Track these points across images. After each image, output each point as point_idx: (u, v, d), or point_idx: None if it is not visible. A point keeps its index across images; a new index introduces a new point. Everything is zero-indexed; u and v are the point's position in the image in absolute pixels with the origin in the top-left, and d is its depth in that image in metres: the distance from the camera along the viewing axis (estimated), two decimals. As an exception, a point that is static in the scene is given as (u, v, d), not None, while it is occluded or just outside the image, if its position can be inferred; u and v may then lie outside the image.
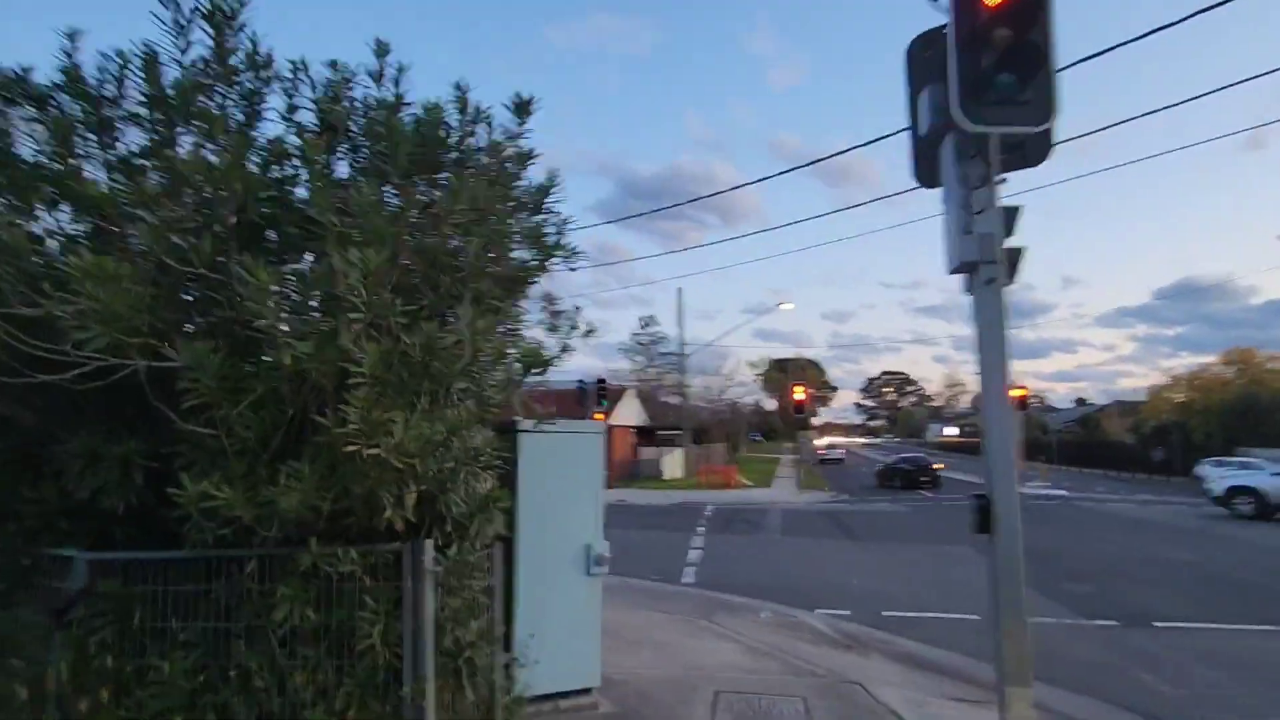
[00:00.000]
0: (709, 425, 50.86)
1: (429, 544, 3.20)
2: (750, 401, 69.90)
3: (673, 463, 37.16)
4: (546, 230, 4.27)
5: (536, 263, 4.35)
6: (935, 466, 30.99)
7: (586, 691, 4.52)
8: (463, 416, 3.12)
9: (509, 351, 3.66)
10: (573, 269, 4.59)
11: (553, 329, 6.52)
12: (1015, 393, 28.65)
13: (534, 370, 3.58)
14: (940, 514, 19.97)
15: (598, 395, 28.09)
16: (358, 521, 3.03)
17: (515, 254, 4.15)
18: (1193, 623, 7.98)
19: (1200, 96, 9.17)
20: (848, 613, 8.36)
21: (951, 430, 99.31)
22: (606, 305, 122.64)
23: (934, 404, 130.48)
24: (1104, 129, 19.64)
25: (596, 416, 28.55)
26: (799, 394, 30.35)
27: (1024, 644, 4.24)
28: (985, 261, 4.41)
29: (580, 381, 28.10)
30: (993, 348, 4.33)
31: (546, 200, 4.12)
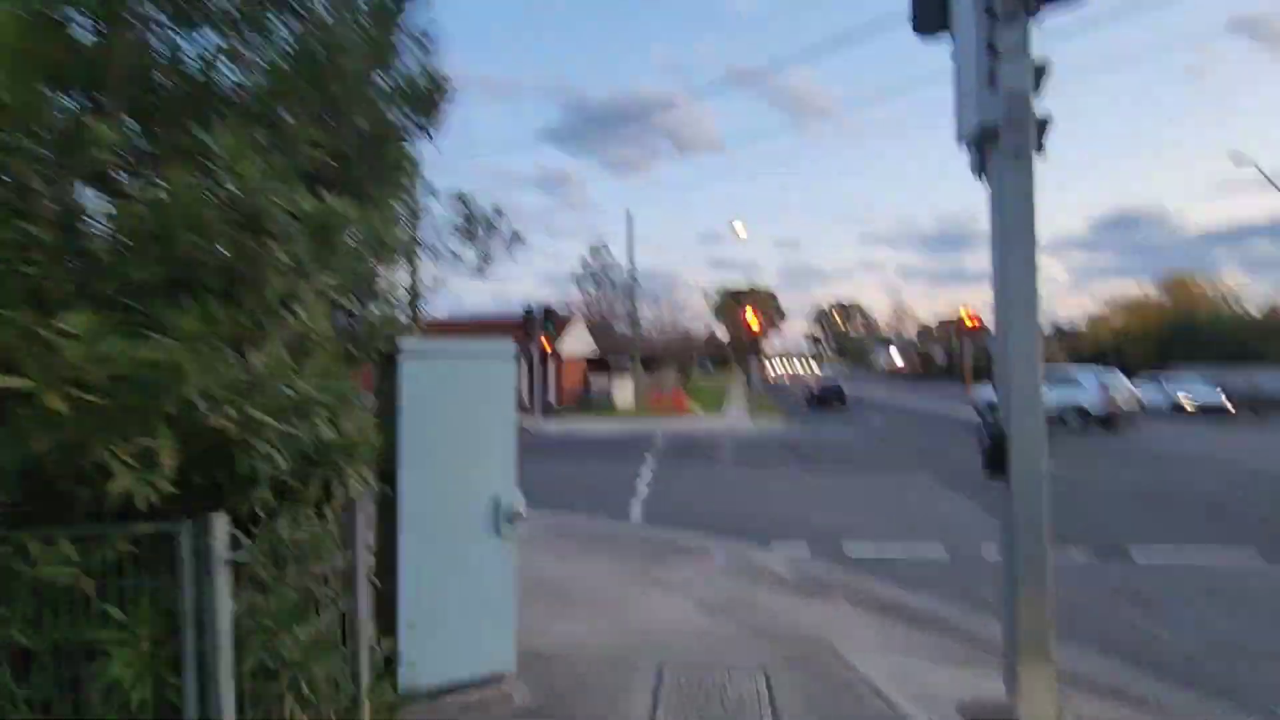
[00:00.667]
0: (661, 354, 50.20)
1: (219, 520, 2.09)
2: (704, 330, 69.40)
3: (623, 391, 36.46)
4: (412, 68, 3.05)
5: (403, 119, 3.13)
6: (843, 390, 38.15)
7: (499, 679, 3.57)
8: (246, 327, 1.97)
9: (351, 239, 2.49)
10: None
11: (468, 235, 5.30)
12: (968, 315, 28.55)
13: (384, 255, 2.43)
14: (899, 440, 19.73)
15: (544, 322, 26.82)
16: (93, 493, 1.90)
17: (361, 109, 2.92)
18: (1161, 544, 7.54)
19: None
20: (807, 552, 7.67)
21: (896, 357, 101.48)
22: (559, 234, 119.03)
23: (881, 334, 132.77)
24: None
25: (544, 345, 27.37)
26: (752, 321, 29.66)
27: (1045, 612, 3.41)
28: (1012, 125, 3.36)
29: (526, 308, 26.74)
30: (1017, 240, 3.31)
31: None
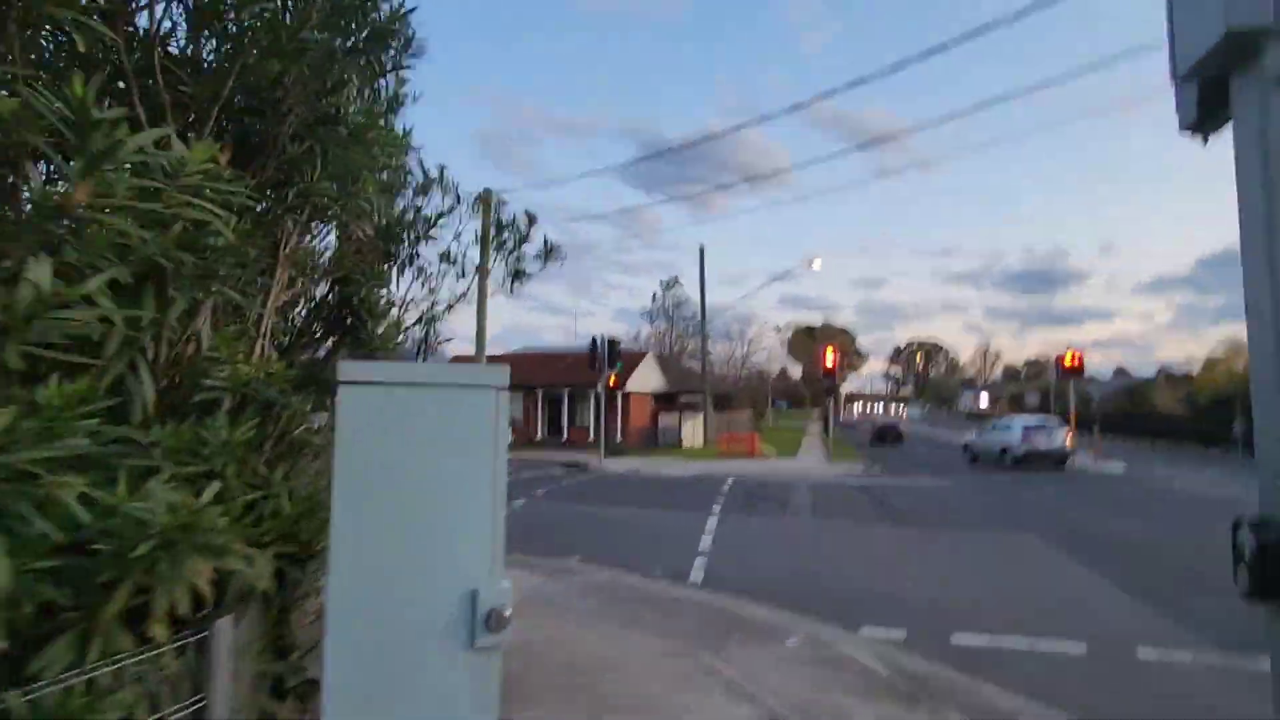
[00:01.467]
0: (733, 392, 48.72)
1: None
2: (776, 368, 67.45)
3: (693, 430, 35.21)
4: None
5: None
6: (899, 429, 44.83)
7: None
8: None
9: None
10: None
11: (499, 245, 4.48)
12: (1070, 355, 26.00)
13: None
14: (994, 490, 17.72)
15: (610, 356, 26.05)
16: None
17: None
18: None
19: None
20: (903, 634, 6.29)
21: (984, 400, 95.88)
22: (635, 271, 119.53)
23: (965, 374, 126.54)
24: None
25: (611, 382, 26.59)
26: (829, 358, 28.04)
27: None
28: None
29: (591, 340, 26.07)
30: None
31: None
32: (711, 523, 11.83)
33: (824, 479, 20.84)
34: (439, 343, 4.93)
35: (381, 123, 3.72)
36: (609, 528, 11.55)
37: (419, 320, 4.99)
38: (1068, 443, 23.99)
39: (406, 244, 4.25)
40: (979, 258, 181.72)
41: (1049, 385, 77.79)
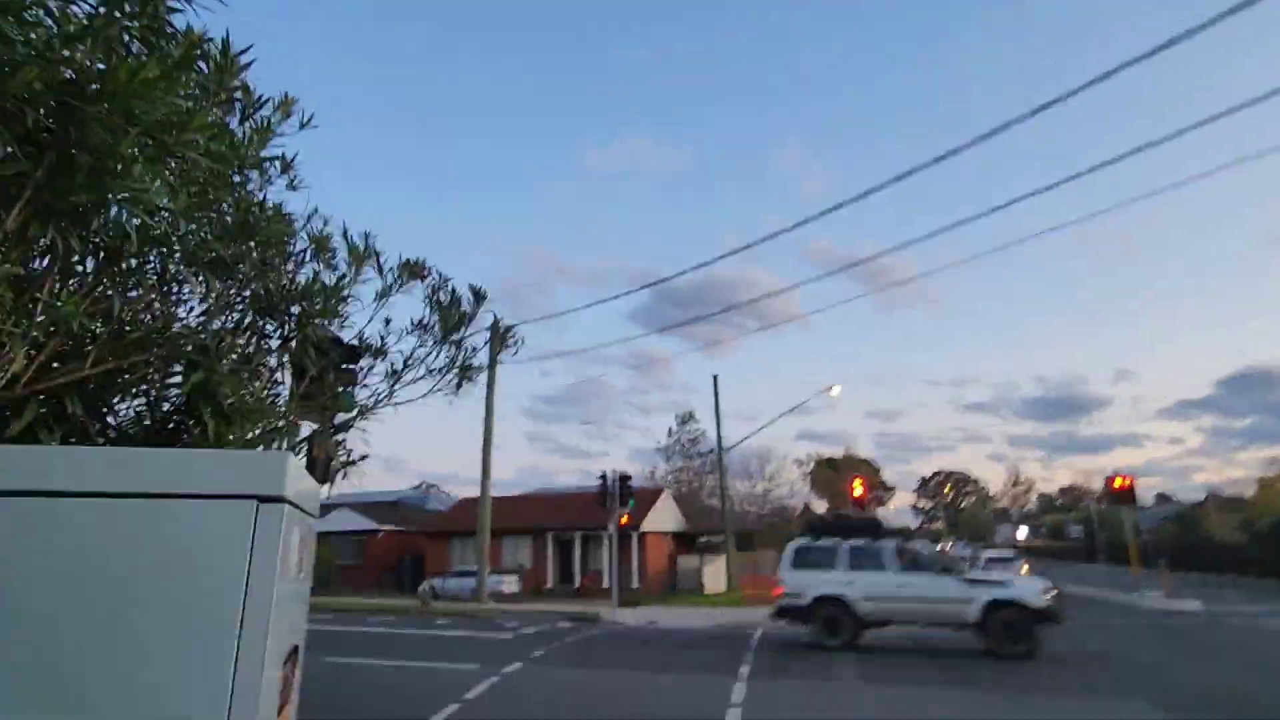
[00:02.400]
0: (755, 531, 45.86)
1: None
2: (798, 504, 64.34)
3: (715, 573, 32.44)
4: None
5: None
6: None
7: None
8: None
9: None
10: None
11: (441, 325, 3.33)
12: (1119, 479, 23.30)
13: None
14: (1074, 638, 15.19)
15: (621, 493, 24.24)
16: None
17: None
18: None
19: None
20: None
21: (1022, 532, 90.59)
22: (647, 411, 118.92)
23: (997, 504, 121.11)
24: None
25: (622, 521, 24.59)
26: (858, 489, 26.04)
27: None
28: None
29: (601, 476, 24.37)
30: None
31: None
32: (738, 692, 9.68)
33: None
34: (349, 463, 3.59)
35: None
36: (613, 701, 9.46)
37: (328, 430, 3.64)
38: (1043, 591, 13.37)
39: (289, 322, 3.01)
40: (993, 387, 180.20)
41: (1089, 513, 73.40)
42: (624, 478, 24.22)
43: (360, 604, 25.62)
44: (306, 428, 3.56)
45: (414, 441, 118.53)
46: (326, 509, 40.13)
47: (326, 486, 3.82)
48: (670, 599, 28.23)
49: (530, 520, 35.36)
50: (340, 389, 3.53)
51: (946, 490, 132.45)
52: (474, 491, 28.25)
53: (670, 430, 69.12)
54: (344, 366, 3.61)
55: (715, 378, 35.25)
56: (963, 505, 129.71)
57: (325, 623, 19.84)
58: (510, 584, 29.48)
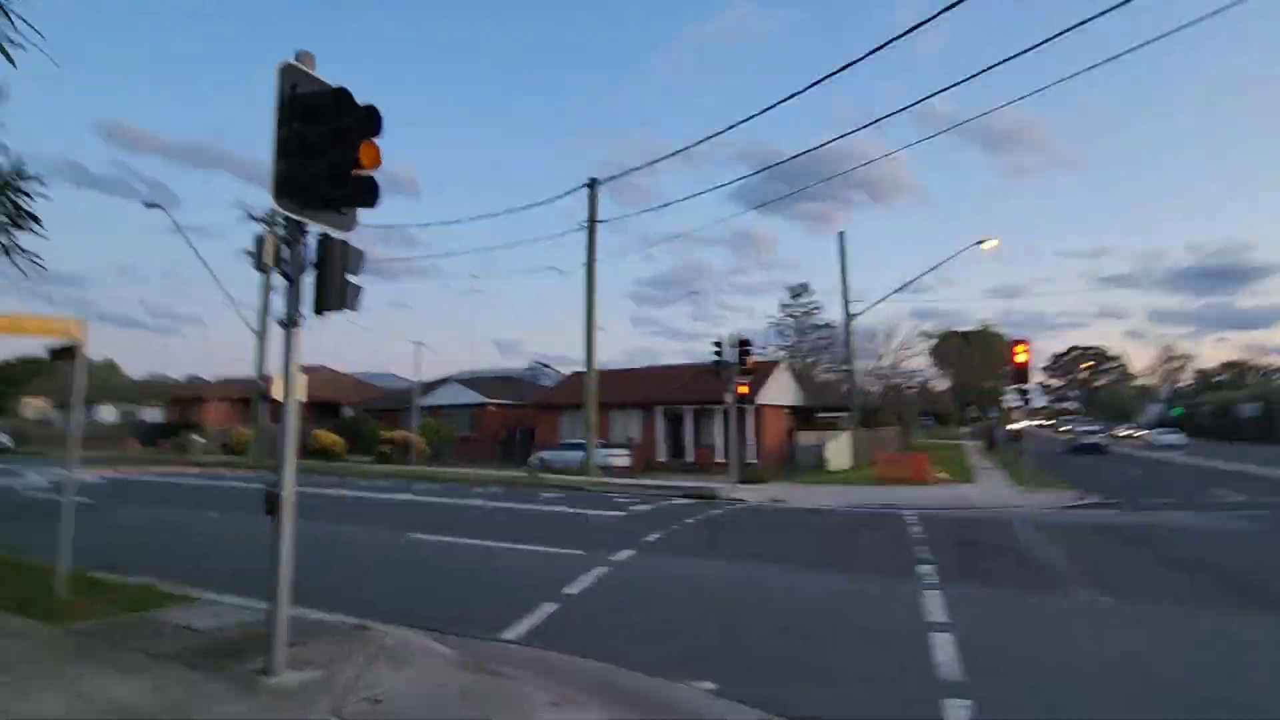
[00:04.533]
0: (879, 406, 42.53)
1: None
2: (917, 382, 59.72)
3: (839, 450, 29.84)
4: None
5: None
6: (1100, 444, 45.28)
7: None
8: None
9: None
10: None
11: None
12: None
13: None
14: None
15: (740, 364, 21.55)
16: None
17: None
18: None
19: None
20: None
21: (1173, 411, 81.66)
22: (750, 292, 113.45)
23: (1139, 381, 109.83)
24: None
25: (740, 390, 22.11)
26: (1022, 355, 22.11)
27: None
28: None
29: (716, 343, 21.68)
30: None
31: None
32: (935, 603, 7.07)
33: (1042, 514, 15.18)
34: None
35: None
36: (757, 611, 7.10)
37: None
38: None
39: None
40: (1135, 257, 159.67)
41: (1265, 390, 64.15)
42: (743, 342, 21.45)
43: (468, 475, 25.02)
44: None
45: (526, 323, 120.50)
46: (437, 383, 40.31)
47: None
48: (792, 476, 26.02)
49: (639, 394, 33.70)
50: None
51: (1082, 368, 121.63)
52: (583, 369, 26.38)
53: (782, 305, 65.21)
54: None
55: (841, 234, 31.08)
56: (1099, 384, 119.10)
57: (429, 493, 18.94)
58: (620, 457, 28.18)
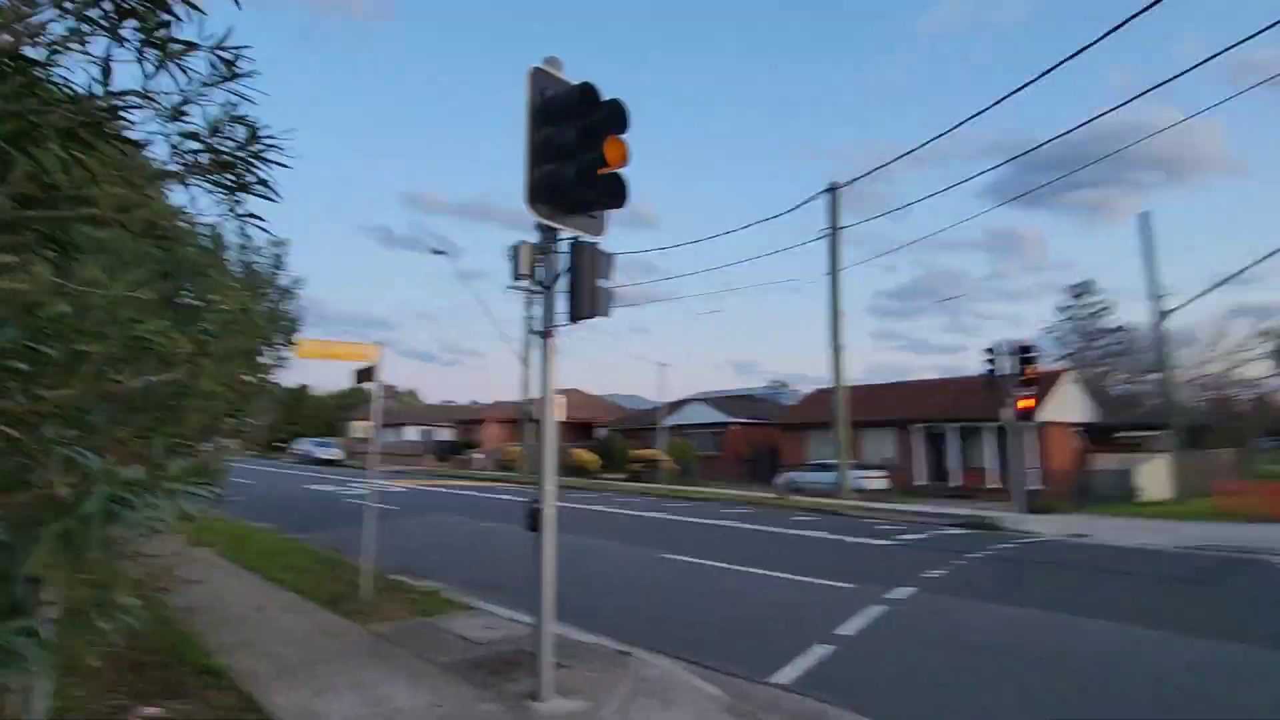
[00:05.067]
0: (1205, 424, 34.62)
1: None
2: (1257, 394, 47.69)
3: (1154, 476, 24.56)
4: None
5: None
6: None
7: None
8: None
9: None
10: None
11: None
12: None
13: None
14: None
15: (1019, 374, 18.65)
16: None
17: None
18: None
19: None
20: None
21: None
22: (1012, 297, 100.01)
23: None
24: None
25: (1022, 404, 19.08)
26: None
27: None
28: None
29: (988, 350, 19.03)
30: None
31: None
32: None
33: None
34: None
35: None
36: (1126, 688, 5.55)
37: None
38: None
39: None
40: None
41: None
42: (1023, 349, 18.56)
43: (716, 494, 24.79)
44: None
45: (763, 343, 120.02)
46: (680, 403, 41.16)
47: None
48: (1090, 506, 21.87)
49: (893, 411, 31.08)
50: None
51: None
52: (824, 387, 24.99)
53: (1060, 307, 56.57)
54: None
55: (1145, 215, 25.84)
56: None
57: (681, 511, 18.93)
58: (875, 480, 26.04)
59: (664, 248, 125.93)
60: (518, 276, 4.85)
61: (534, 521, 4.51)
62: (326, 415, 57.92)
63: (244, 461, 42.75)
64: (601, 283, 4.75)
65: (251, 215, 2.26)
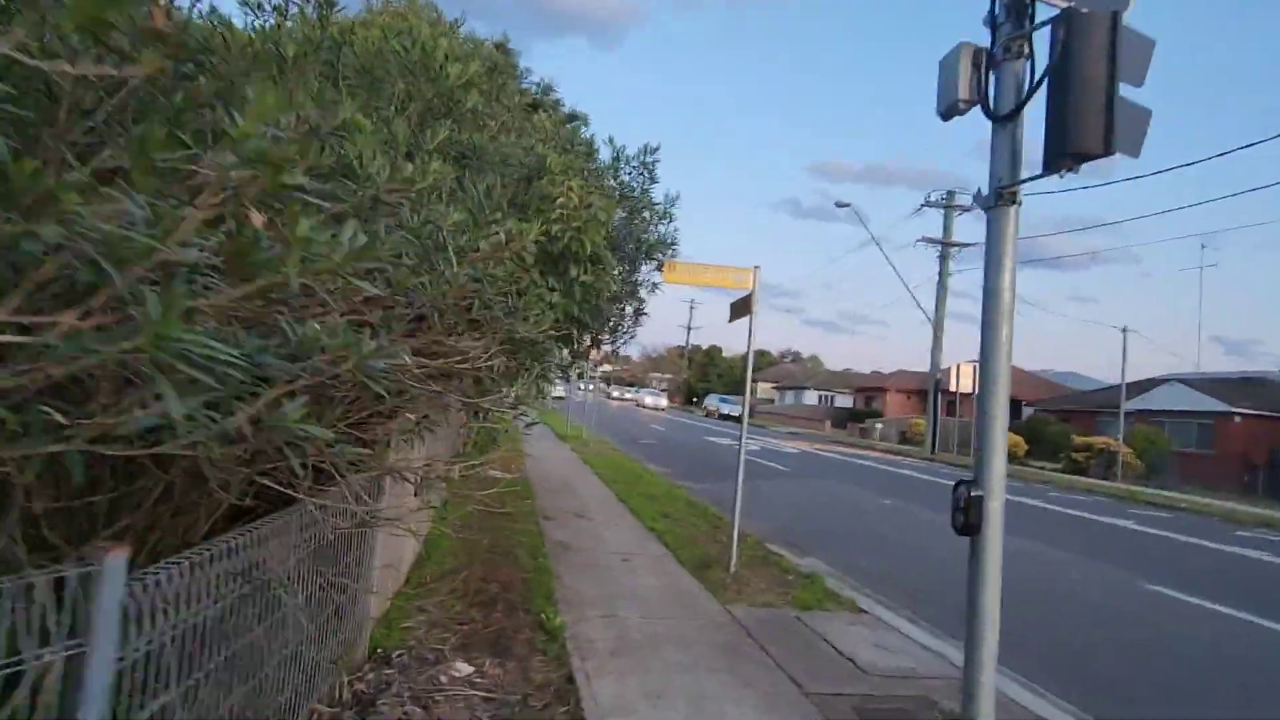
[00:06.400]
0: None
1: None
2: None
3: None
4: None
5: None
6: None
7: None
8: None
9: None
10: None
11: None
12: None
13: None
14: None
15: None
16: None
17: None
18: None
19: None
20: None
21: None
22: None
23: None
24: None
25: None
26: None
27: None
28: None
29: None
30: None
31: None
32: None
33: None
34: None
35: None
36: None
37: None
38: None
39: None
40: None
41: None
42: None
43: (1211, 506, 18.12)
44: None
45: (1267, 317, 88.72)
46: (1151, 383, 32.06)
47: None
48: None
49: None
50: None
51: None
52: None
53: None
54: None
55: None
56: None
57: (1158, 525, 14.01)
58: None
59: (1117, 181, 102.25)
60: (950, 107, 2.92)
61: (970, 516, 2.61)
62: (736, 375, 61.44)
63: (668, 414, 47.60)
64: (1125, 88, 2.52)
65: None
